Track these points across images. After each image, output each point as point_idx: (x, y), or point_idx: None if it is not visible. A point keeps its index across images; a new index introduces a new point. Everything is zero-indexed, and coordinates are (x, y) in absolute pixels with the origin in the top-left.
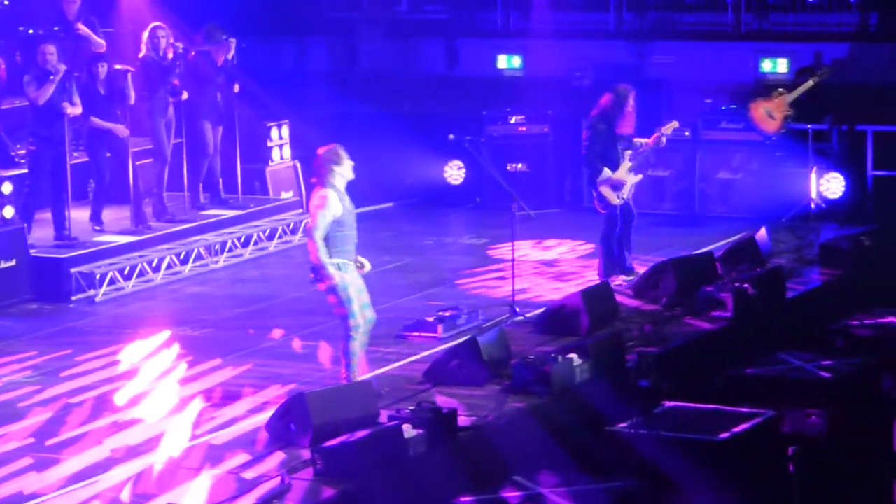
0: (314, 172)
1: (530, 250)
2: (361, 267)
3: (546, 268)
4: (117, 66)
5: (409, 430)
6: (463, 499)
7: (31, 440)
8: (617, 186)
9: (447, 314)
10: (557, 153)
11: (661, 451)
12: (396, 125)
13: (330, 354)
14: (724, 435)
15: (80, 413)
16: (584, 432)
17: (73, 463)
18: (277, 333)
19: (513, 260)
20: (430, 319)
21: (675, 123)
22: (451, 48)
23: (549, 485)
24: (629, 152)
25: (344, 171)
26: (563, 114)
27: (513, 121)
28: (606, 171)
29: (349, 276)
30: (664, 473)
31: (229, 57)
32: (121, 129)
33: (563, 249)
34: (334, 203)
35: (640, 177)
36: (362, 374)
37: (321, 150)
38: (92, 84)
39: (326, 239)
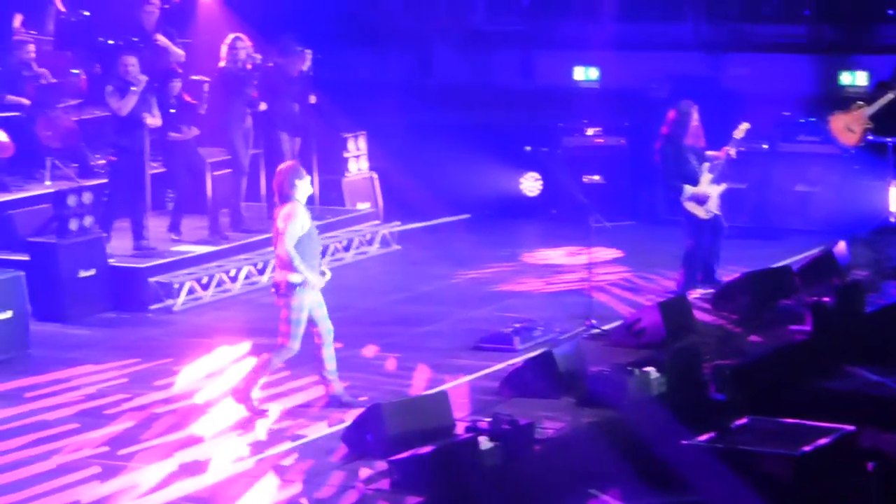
0: (277, 189)
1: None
2: (323, 275)
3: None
4: (194, 77)
5: (484, 442)
6: None
7: (106, 448)
8: (702, 200)
9: (523, 326)
10: (633, 165)
11: (739, 466)
12: (472, 137)
13: (406, 365)
14: (803, 450)
15: (157, 423)
16: (661, 446)
17: (138, 474)
18: (365, 351)
19: (589, 271)
20: (507, 331)
21: (747, 125)
22: (526, 59)
23: (625, 499)
24: (707, 164)
25: (305, 185)
26: (639, 126)
27: (589, 133)
28: (688, 188)
29: (308, 298)
30: (741, 488)
31: (305, 68)
32: (191, 131)
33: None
34: (303, 215)
35: (723, 186)
36: (438, 386)
37: (283, 167)
38: (165, 99)
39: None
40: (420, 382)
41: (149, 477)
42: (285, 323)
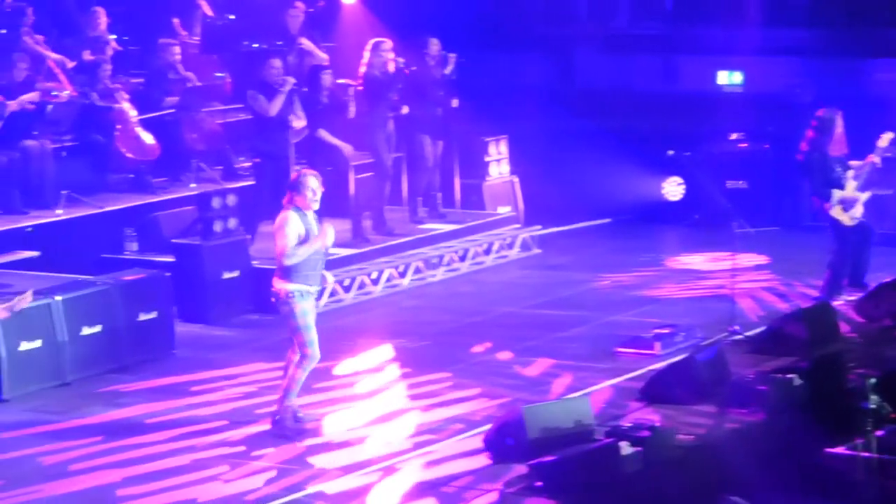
0: (288, 193)
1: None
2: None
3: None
4: (340, 81)
5: (625, 448)
6: None
7: (242, 448)
8: (847, 207)
9: (665, 331)
10: (777, 170)
11: (881, 475)
12: (614, 141)
13: (546, 369)
14: None
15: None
16: (803, 454)
17: (267, 476)
18: (505, 356)
19: (732, 277)
20: (648, 336)
21: (892, 134)
22: (669, 64)
23: None
24: (851, 172)
25: (314, 200)
26: (783, 130)
27: (732, 137)
28: (837, 192)
29: (308, 304)
30: (885, 498)
31: (448, 72)
32: (347, 148)
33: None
34: (296, 223)
35: (868, 193)
36: (578, 390)
37: (300, 174)
38: (315, 94)
39: (293, 266)
40: (561, 387)
41: (280, 480)
42: (296, 332)
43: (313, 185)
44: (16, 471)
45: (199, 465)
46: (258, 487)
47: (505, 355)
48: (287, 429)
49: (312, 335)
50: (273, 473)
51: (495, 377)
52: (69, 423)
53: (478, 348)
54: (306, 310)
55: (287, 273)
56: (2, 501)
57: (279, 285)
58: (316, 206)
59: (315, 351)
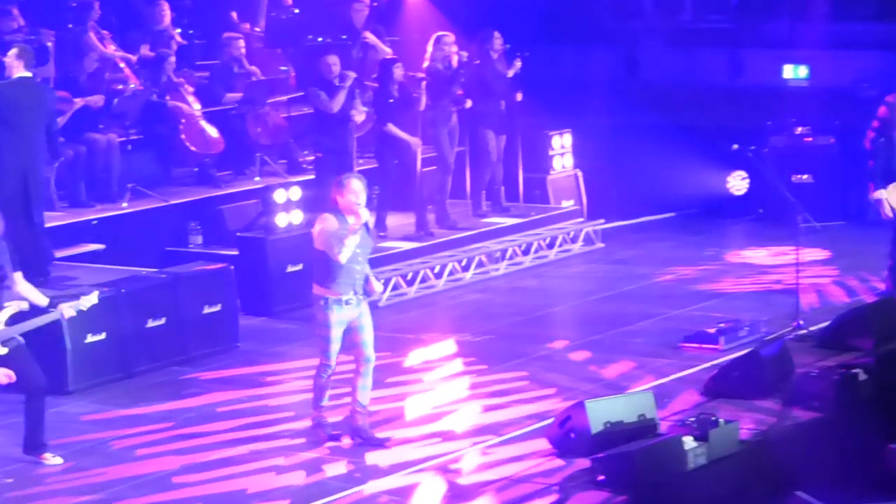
0: (331, 197)
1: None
2: (367, 294)
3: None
4: (410, 73)
5: (689, 442)
6: None
7: (301, 440)
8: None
9: (729, 326)
10: (843, 165)
11: None
12: (678, 135)
13: (617, 365)
14: None
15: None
16: (869, 450)
17: (320, 469)
18: (574, 353)
19: (797, 272)
20: (712, 331)
21: None
22: (734, 58)
23: (831, 503)
24: None
25: (358, 203)
26: (849, 125)
27: (798, 131)
28: (882, 193)
29: (335, 315)
30: None
31: (511, 74)
32: (415, 142)
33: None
34: (331, 224)
35: None
36: (642, 385)
37: (345, 175)
38: (386, 88)
39: (326, 270)
40: (624, 381)
41: (329, 472)
42: (317, 339)
43: (357, 187)
44: (85, 454)
45: (255, 457)
46: (311, 480)
47: (569, 351)
48: (318, 434)
49: (332, 347)
50: (329, 467)
51: (559, 372)
52: (135, 410)
53: (544, 343)
54: (331, 321)
55: (322, 278)
56: (68, 482)
57: (314, 289)
58: (360, 209)
59: (330, 361)
